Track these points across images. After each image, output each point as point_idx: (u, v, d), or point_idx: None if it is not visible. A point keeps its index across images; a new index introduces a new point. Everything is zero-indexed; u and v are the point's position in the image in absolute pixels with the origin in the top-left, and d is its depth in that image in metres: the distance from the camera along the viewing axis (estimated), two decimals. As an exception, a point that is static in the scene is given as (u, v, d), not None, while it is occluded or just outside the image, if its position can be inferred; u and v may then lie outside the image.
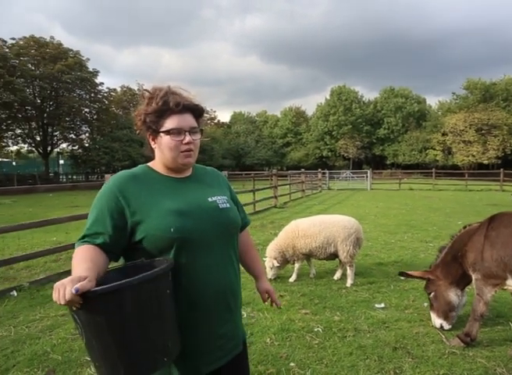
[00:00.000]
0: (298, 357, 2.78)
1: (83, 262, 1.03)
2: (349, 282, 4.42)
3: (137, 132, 1.29)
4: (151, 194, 1.20)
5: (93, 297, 0.90)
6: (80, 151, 35.16)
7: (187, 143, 1.23)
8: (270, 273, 4.52)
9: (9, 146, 35.10)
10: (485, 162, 39.51)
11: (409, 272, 3.35)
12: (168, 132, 1.21)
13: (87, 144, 34.98)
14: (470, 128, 39.53)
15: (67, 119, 32.53)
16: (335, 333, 3.16)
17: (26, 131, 31.83)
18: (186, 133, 1.23)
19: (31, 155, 39.75)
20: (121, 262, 1.25)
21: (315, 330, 3.23)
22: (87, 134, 35.97)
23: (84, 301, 0.89)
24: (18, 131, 31.96)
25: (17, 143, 33.92)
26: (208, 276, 1.20)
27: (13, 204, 14.75)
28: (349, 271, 4.46)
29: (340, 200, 16.11)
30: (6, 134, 31.66)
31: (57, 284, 0.89)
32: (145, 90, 1.27)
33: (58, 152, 38.47)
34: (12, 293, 4.12)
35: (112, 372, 0.98)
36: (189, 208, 1.20)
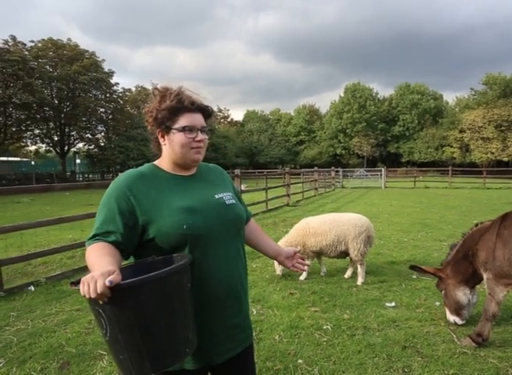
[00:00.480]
0: (306, 354, 2.79)
1: (105, 256, 1.05)
2: (360, 280, 4.40)
3: (148, 128, 1.33)
4: (160, 192, 1.23)
5: (122, 290, 0.90)
6: (95, 150, 35.88)
7: (199, 140, 1.27)
8: (278, 269, 4.55)
9: (28, 146, 36.20)
10: (505, 159, 38.42)
11: (421, 267, 3.31)
12: (182, 129, 1.25)
13: (102, 144, 35.67)
14: (489, 124, 38.49)
15: (83, 119, 33.24)
16: (344, 331, 3.16)
17: (45, 131, 32.67)
18: (199, 132, 1.27)
19: (49, 154, 40.76)
20: (130, 259, 1.28)
21: (324, 327, 3.23)
22: (102, 134, 36.74)
23: (112, 295, 0.89)
24: (36, 131, 32.85)
25: (36, 143, 34.91)
26: (219, 269, 1.25)
27: (31, 202, 15.17)
28: (360, 269, 4.44)
29: (354, 198, 15.97)
30: (25, 134, 32.60)
31: (86, 278, 0.89)
32: (156, 88, 1.31)
33: (74, 152, 39.35)
34: (29, 288, 4.26)
35: (137, 364, 0.98)
36: (198, 206, 1.24)
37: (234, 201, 1.36)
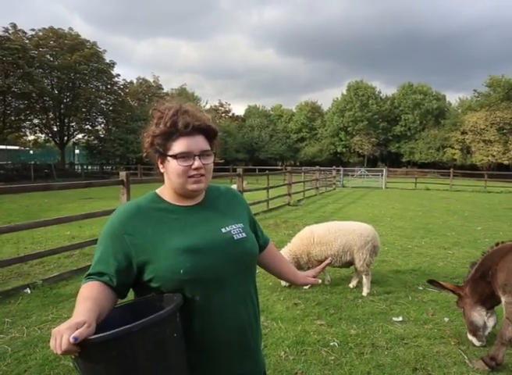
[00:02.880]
0: (314, 374, 2.68)
1: (86, 301, 0.96)
2: (365, 291, 4.29)
3: (144, 155, 1.19)
4: (158, 229, 1.10)
5: (91, 345, 0.82)
6: (95, 142, 35.60)
7: (196, 168, 1.11)
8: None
9: (27, 135, 35.83)
10: (506, 162, 38.33)
11: (441, 282, 3.18)
12: (175, 156, 1.10)
13: (102, 136, 35.37)
14: (491, 127, 38.32)
15: (83, 110, 32.90)
16: (351, 349, 3.05)
17: (44, 121, 32.33)
18: (196, 158, 1.11)
19: (48, 144, 40.43)
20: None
21: (331, 344, 3.12)
22: (102, 126, 36.40)
23: (82, 349, 0.82)
24: (35, 121, 32.50)
25: (35, 132, 34.60)
26: (224, 315, 1.11)
27: (30, 194, 15.01)
28: (365, 280, 4.33)
29: (355, 199, 15.87)
30: (24, 124, 32.25)
31: (54, 331, 0.82)
32: (155, 109, 1.16)
33: (74, 143, 39.04)
34: (25, 290, 4.13)
35: None
36: (200, 244, 1.10)
37: (244, 235, 1.20)
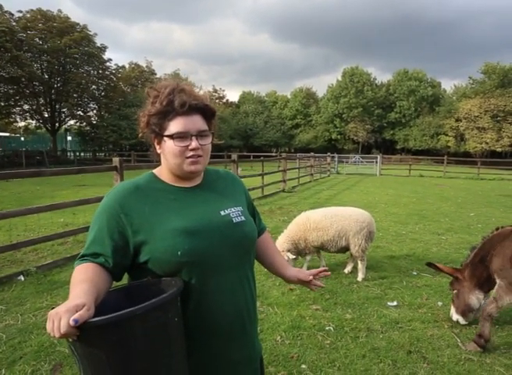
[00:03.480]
0: (309, 358, 2.70)
1: (82, 283, 0.92)
2: (360, 276, 4.32)
3: (139, 135, 1.14)
4: (155, 209, 1.07)
5: (91, 328, 0.79)
6: (87, 128, 35.06)
7: (193, 149, 1.07)
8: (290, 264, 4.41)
9: (17, 122, 35.12)
10: (499, 149, 38.58)
11: (439, 265, 3.21)
12: (171, 136, 1.06)
13: (94, 122, 34.82)
14: (485, 114, 38.39)
15: (75, 95, 32.24)
16: (347, 333, 3.08)
17: (34, 107, 31.67)
18: (193, 138, 1.07)
19: (39, 131, 39.76)
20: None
21: (327, 328, 3.15)
22: (94, 111, 35.78)
23: (81, 333, 0.78)
24: (26, 107, 31.81)
25: (25, 119, 33.89)
26: (222, 299, 1.09)
27: (21, 181, 14.79)
28: (360, 265, 4.36)
29: (349, 185, 15.91)
30: (14, 110, 31.55)
31: (51, 313, 0.79)
32: (151, 87, 1.12)
33: (65, 129, 38.41)
34: (19, 278, 4.09)
35: None
36: (199, 226, 1.07)
37: (243, 218, 1.17)
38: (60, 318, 0.76)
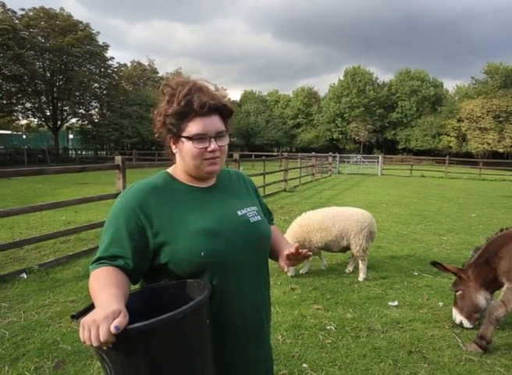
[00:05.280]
0: (311, 357, 2.71)
1: (110, 288, 0.88)
2: (361, 276, 4.33)
3: (156, 135, 1.12)
4: (175, 209, 1.06)
5: (132, 335, 0.77)
6: (89, 126, 35.10)
7: (212, 151, 1.06)
8: (291, 270, 4.31)
9: (19, 120, 35.18)
10: (501, 150, 38.48)
11: (444, 265, 3.19)
12: (190, 138, 1.04)
13: (96, 120, 34.88)
14: (487, 115, 38.30)
15: (77, 93, 32.31)
16: (348, 333, 3.09)
17: (36, 105, 31.73)
18: (212, 140, 1.05)
19: (41, 129, 39.81)
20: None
21: (328, 327, 3.16)
22: (96, 110, 35.86)
23: (119, 339, 0.76)
24: (28, 105, 31.87)
25: (27, 117, 33.93)
26: (242, 299, 1.09)
27: (23, 179, 14.84)
28: (361, 265, 4.36)
29: (351, 185, 15.90)
30: (16, 108, 31.62)
31: (86, 321, 0.75)
32: (166, 84, 1.08)
33: (67, 127, 38.47)
34: (22, 275, 4.11)
35: None
36: (219, 227, 1.06)
37: (259, 218, 1.17)
38: (98, 326, 0.73)
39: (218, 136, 1.07)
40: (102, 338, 0.72)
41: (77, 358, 2.61)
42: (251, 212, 1.16)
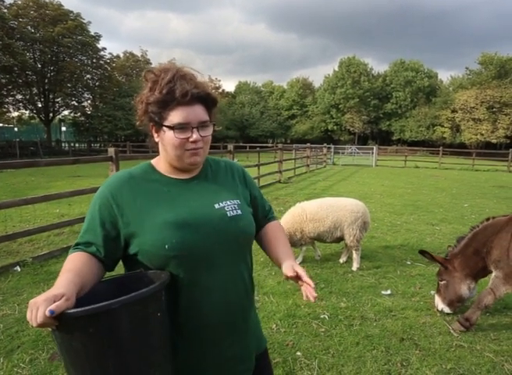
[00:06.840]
0: (304, 346, 2.75)
1: (67, 272, 0.91)
2: (355, 266, 4.38)
3: (137, 123, 1.10)
4: (147, 200, 1.05)
5: (68, 319, 0.79)
6: (82, 118, 34.70)
7: (194, 141, 1.03)
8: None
9: (10, 112, 34.67)
10: (494, 141, 38.72)
11: (432, 254, 3.23)
12: (172, 127, 1.02)
13: (89, 112, 34.46)
14: (481, 105, 38.43)
15: (68, 85, 31.85)
16: (341, 321, 3.13)
17: (27, 97, 31.26)
18: (194, 130, 1.03)
19: (33, 121, 39.29)
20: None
21: (321, 316, 3.20)
22: (89, 102, 35.38)
23: (60, 323, 0.79)
24: (19, 97, 31.42)
25: (18, 109, 33.50)
26: (212, 297, 1.05)
27: (15, 172, 14.70)
28: (355, 255, 4.41)
29: (345, 176, 15.95)
30: (7, 100, 31.14)
31: (30, 303, 0.78)
32: (149, 71, 1.05)
33: (60, 119, 38.00)
34: (15, 268, 4.10)
35: None
36: (190, 219, 1.03)
37: (240, 212, 1.11)
38: (38, 308, 0.76)
39: (200, 126, 1.04)
40: (38, 320, 0.75)
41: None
42: (231, 206, 1.11)
